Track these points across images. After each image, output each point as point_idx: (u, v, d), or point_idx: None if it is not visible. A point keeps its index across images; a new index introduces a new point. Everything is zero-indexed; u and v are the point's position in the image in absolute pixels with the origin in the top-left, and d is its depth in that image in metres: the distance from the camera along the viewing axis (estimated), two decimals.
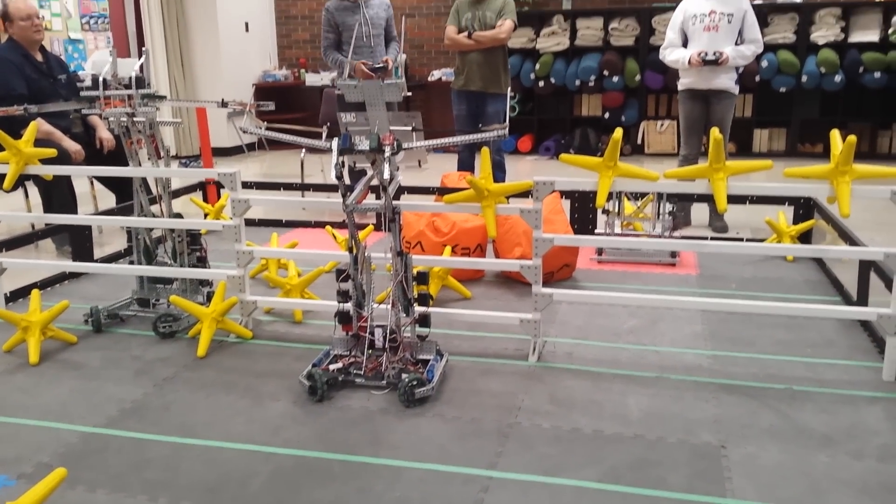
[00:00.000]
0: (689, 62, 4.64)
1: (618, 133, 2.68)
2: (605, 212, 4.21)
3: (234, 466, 2.13)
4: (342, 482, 2.05)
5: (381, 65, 4.98)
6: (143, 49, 3.57)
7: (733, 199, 3.58)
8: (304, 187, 5.34)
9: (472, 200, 2.83)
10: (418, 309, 2.69)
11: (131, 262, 3.38)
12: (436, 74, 9.11)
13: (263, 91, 9.27)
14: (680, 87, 4.89)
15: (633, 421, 2.37)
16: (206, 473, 2.10)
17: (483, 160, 2.83)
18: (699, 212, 5.01)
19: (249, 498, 1.98)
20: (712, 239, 4.44)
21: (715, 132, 2.60)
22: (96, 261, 4.12)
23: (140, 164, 3.30)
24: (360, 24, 5.07)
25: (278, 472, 2.10)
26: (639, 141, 8.34)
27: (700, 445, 2.22)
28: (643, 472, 2.09)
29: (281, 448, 2.22)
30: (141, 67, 3.21)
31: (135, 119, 3.18)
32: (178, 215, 3.33)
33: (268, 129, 3.04)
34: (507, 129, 2.71)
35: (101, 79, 3.17)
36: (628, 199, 4.37)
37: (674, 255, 4.10)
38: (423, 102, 9.26)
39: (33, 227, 4.60)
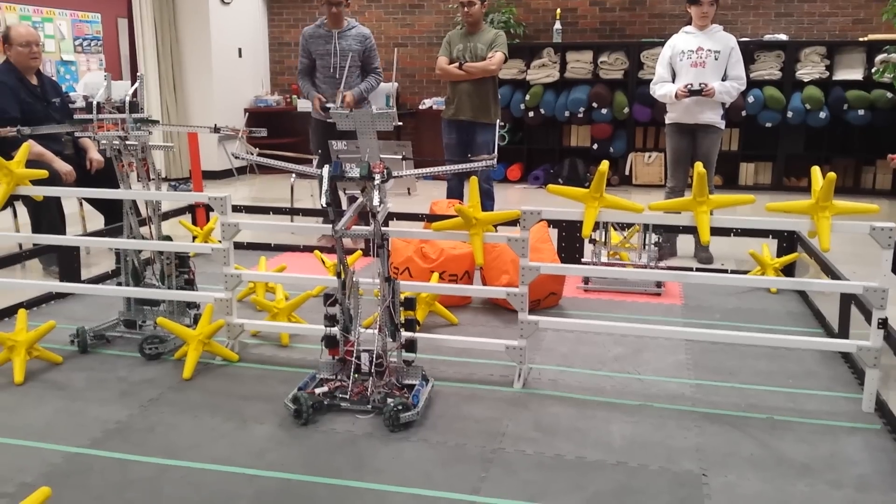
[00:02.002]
0: (676, 95, 4.72)
1: (604, 165, 2.73)
2: (592, 241, 4.25)
3: (217, 489, 2.13)
4: None
5: (332, 106, 5.04)
6: (139, 74, 3.61)
7: (718, 232, 3.63)
8: (293, 212, 5.37)
9: (460, 228, 2.86)
10: (405, 334, 2.71)
11: (119, 284, 3.39)
12: (427, 103, 9.20)
13: (255, 116, 9.33)
14: (667, 121, 4.97)
15: (616, 448, 2.38)
16: (189, 496, 2.10)
17: (471, 189, 2.87)
18: (685, 243, 5.06)
19: None
20: (697, 270, 4.49)
21: (699, 167, 2.66)
22: (83, 281, 4.12)
23: (130, 187, 3.33)
24: (331, 54, 5.13)
25: (262, 494, 2.10)
26: (627, 172, 8.44)
27: (681, 473, 2.24)
28: (625, 499, 2.10)
29: (265, 471, 2.22)
30: (135, 92, 3.24)
31: (127, 143, 3.20)
32: (168, 238, 3.34)
33: (259, 154, 3.09)
34: (496, 159, 2.75)
35: (94, 102, 3.19)
36: (615, 228, 4.43)
37: (659, 284, 4.15)
38: (414, 130, 9.35)
39: (21, 246, 4.59)
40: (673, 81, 4.85)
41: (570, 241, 4.53)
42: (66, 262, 4.05)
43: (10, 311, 3.58)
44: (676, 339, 3.32)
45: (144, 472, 2.22)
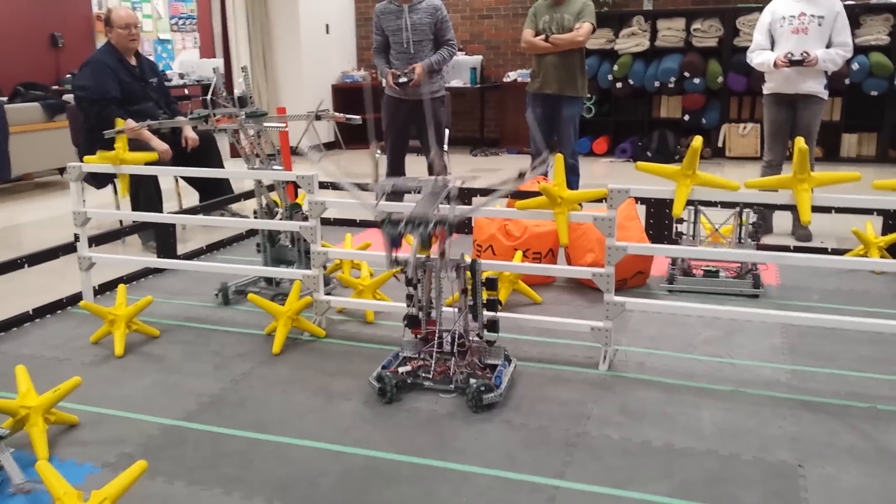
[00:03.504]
0: (775, 64, 4.49)
1: (697, 141, 2.62)
2: (679, 235, 3.96)
3: (305, 464, 2.18)
4: (409, 485, 2.07)
5: (405, 79, 5.01)
6: (243, 67, 3.81)
7: (818, 209, 3.44)
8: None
9: (545, 207, 2.81)
10: (487, 314, 2.69)
11: (257, 245, 3.72)
12: (511, 76, 9.08)
13: (341, 92, 9.42)
14: (765, 91, 4.74)
15: (707, 436, 2.31)
16: (278, 470, 2.15)
17: (556, 167, 2.81)
18: (781, 219, 4.84)
19: (319, 497, 2.03)
20: (795, 248, 4.29)
21: (800, 142, 2.52)
22: (179, 257, 4.27)
23: (256, 166, 3.60)
24: (402, 29, 5.08)
25: (347, 471, 2.14)
26: (720, 144, 8.12)
27: (776, 464, 2.15)
28: (716, 488, 2.04)
29: (350, 447, 2.26)
30: (245, 83, 3.56)
31: (242, 130, 3.50)
32: (297, 205, 3.62)
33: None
34: (547, 162, 2.69)
35: (209, 98, 3.45)
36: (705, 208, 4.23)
37: (756, 284, 3.63)
38: (498, 104, 9.25)
39: (121, 223, 4.80)
40: (772, 49, 4.61)
41: (658, 219, 4.39)
42: (163, 238, 4.20)
43: (111, 286, 3.75)
44: (771, 322, 3.18)
45: (236, 445, 2.29)
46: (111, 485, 1.79)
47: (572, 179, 5.23)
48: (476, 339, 2.68)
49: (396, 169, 5.44)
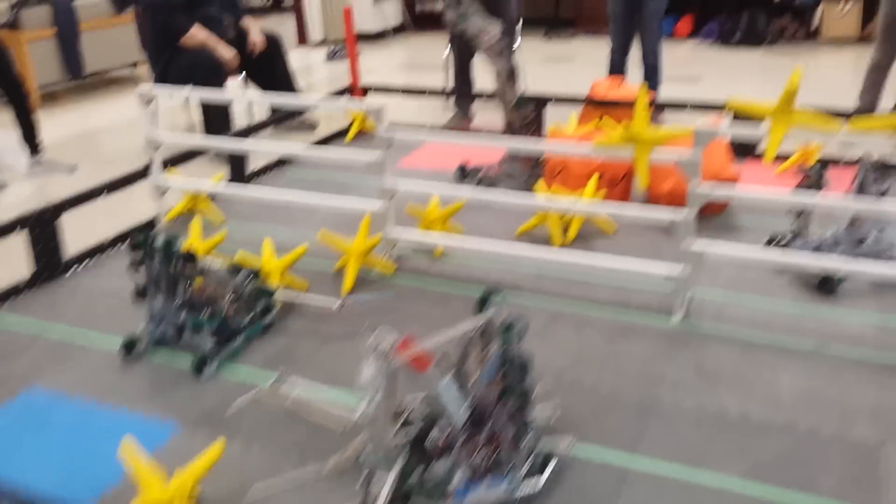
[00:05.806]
0: None
1: (795, 76, 2.42)
2: None
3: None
4: None
5: None
6: None
7: None
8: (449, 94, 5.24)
9: (624, 144, 2.67)
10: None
11: None
12: None
13: None
14: None
15: (785, 404, 2.24)
16: None
17: (638, 106, 2.63)
18: None
19: None
20: None
21: None
22: (249, 177, 4.24)
23: None
24: None
25: None
26: (814, 27, 7.49)
27: (856, 444, 2.07)
28: (792, 470, 1.98)
29: None
30: None
31: None
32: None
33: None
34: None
35: None
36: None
37: None
38: None
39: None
40: None
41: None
42: (235, 165, 4.18)
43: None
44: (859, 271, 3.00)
45: None
46: (192, 466, 1.85)
47: (652, 81, 4.96)
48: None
49: (463, 75, 5.21)
